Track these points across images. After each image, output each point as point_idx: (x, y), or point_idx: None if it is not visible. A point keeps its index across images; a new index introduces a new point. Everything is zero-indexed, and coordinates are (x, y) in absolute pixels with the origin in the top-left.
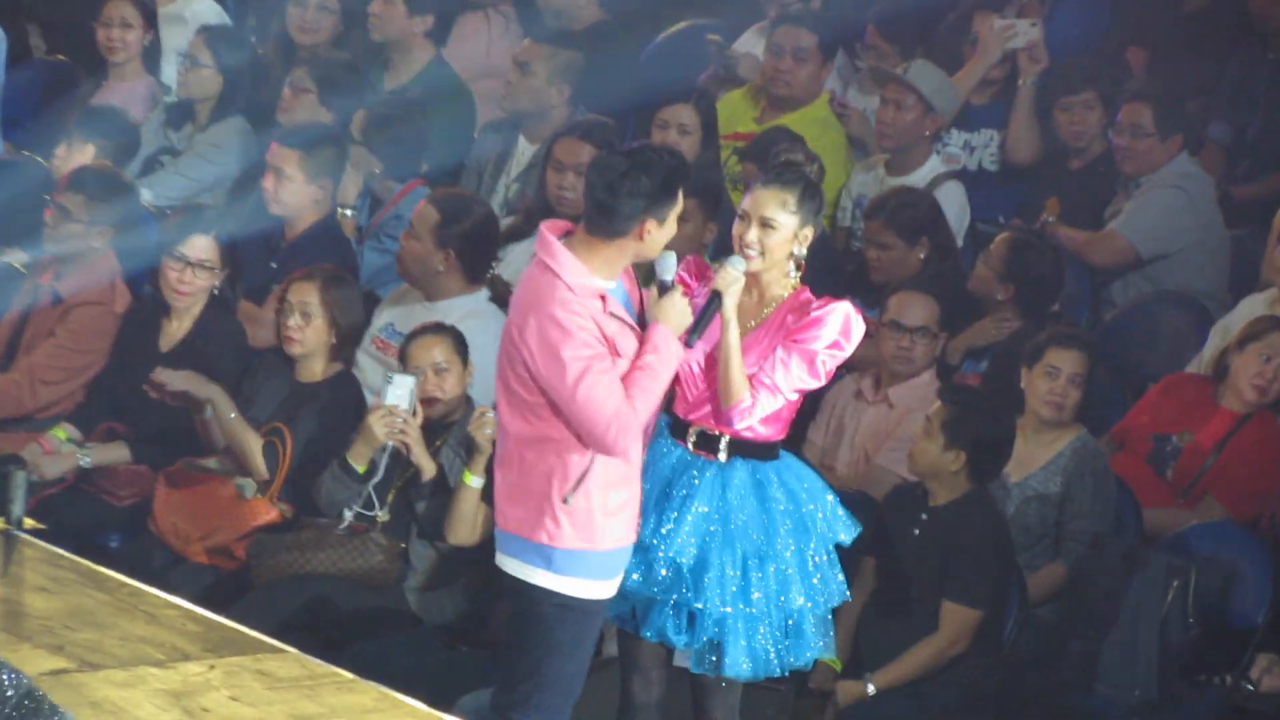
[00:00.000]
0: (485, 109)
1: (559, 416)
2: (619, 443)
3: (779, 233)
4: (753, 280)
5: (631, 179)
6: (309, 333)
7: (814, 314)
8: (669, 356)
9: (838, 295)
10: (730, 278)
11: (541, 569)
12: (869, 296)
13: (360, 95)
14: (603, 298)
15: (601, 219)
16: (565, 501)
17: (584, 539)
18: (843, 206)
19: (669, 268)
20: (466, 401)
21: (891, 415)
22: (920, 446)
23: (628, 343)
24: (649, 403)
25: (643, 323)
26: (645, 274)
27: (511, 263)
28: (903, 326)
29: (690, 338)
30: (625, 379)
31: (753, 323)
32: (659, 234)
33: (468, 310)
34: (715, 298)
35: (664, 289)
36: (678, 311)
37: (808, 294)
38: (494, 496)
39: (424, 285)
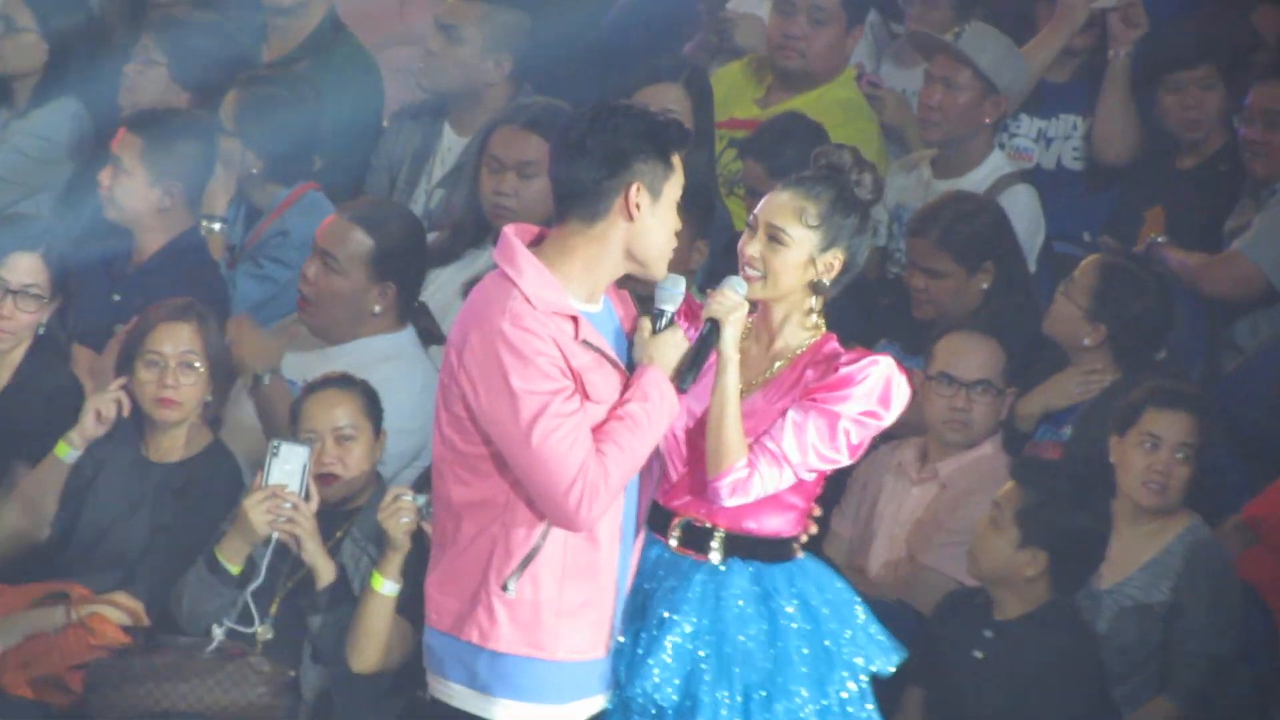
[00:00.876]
0: (398, 88)
1: (505, 474)
2: (582, 511)
3: (789, 251)
4: (760, 323)
5: (604, 124)
6: (190, 392)
7: (843, 370)
8: (661, 408)
9: (870, 341)
10: (729, 302)
11: (469, 687)
12: (911, 340)
13: (230, 69)
14: (574, 320)
15: (570, 191)
16: (505, 588)
17: (528, 642)
18: (875, 219)
19: (672, 296)
20: (377, 480)
21: (943, 499)
22: (985, 542)
23: (606, 383)
24: (627, 465)
25: (631, 366)
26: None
27: (436, 294)
28: (957, 380)
29: (684, 379)
30: (599, 429)
31: (759, 379)
32: (653, 215)
33: (385, 354)
34: (710, 328)
35: (661, 320)
36: (675, 352)
37: (834, 344)
38: (425, 587)
39: (337, 331)
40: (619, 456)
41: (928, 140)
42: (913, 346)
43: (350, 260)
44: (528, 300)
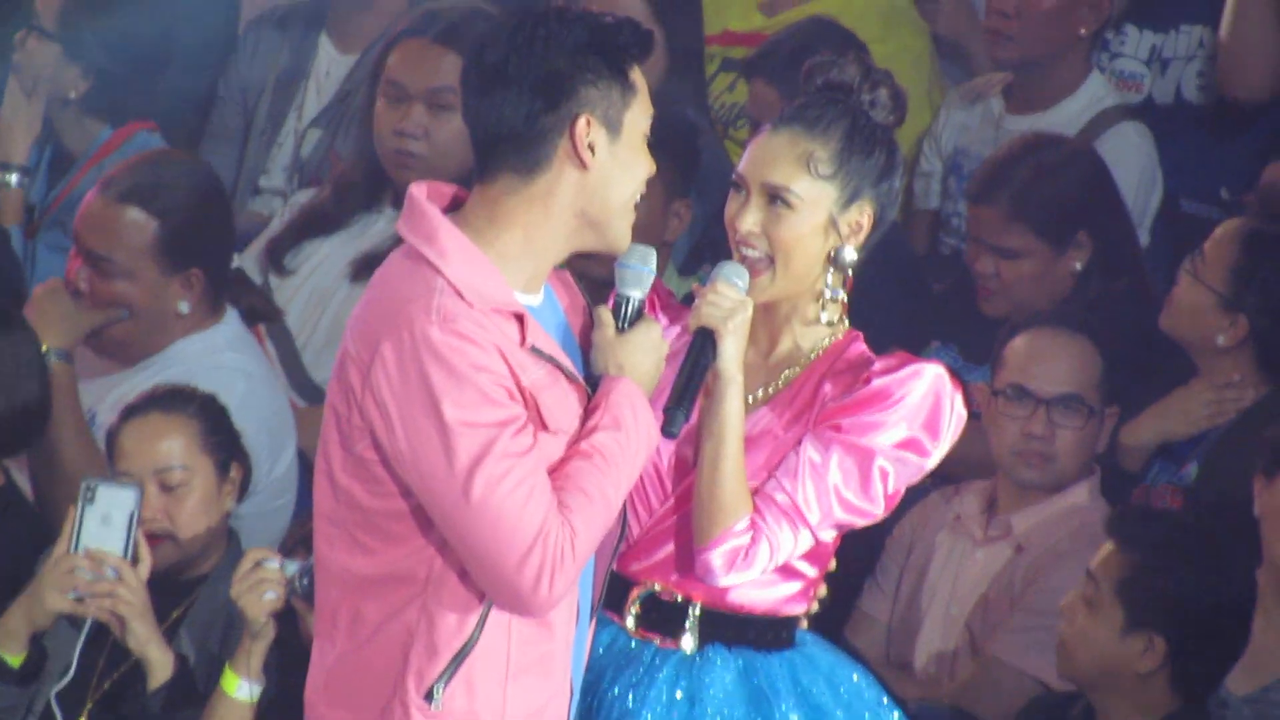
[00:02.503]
0: None
1: (430, 536)
2: (542, 587)
3: (798, 215)
4: (759, 316)
5: (531, 37)
6: None
7: (876, 383)
8: (637, 436)
9: (916, 344)
10: (726, 303)
11: None
12: (973, 343)
13: None
14: (519, 319)
15: (495, 135)
16: (429, 698)
17: None
18: (924, 172)
19: (639, 276)
20: (229, 539)
21: (1020, 566)
22: (1078, 628)
23: (563, 406)
24: (599, 519)
25: (589, 378)
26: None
27: (313, 273)
28: (1035, 396)
29: (674, 417)
30: (558, 472)
31: (759, 394)
32: (612, 157)
33: (202, 360)
34: (704, 342)
35: (626, 311)
36: (651, 356)
37: (862, 345)
38: (305, 691)
39: (134, 348)
40: (588, 509)
41: (999, 61)
42: (976, 351)
43: (132, 255)
44: (459, 294)
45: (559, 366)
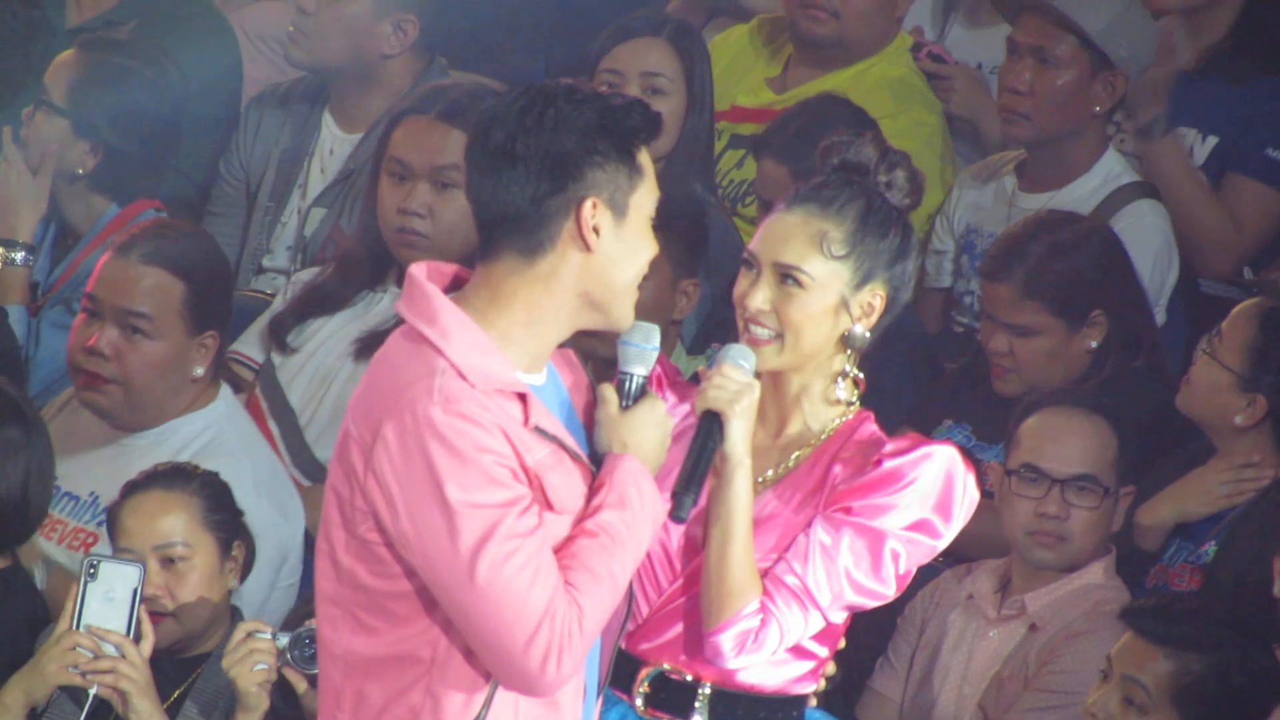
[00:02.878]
0: (257, 63)
1: (434, 616)
2: (550, 668)
3: (810, 296)
4: (768, 396)
5: (539, 116)
6: None
7: (887, 465)
8: (643, 515)
9: (928, 425)
10: (733, 385)
11: None
12: (987, 422)
13: (36, 38)
14: (522, 399)
15: (499, 216)
16: None
17: None
18: (936, 250)
19: (641, 354)
20: (232, 616)
21: (1035, 645)
22: (1098, 714)
23: (568, 486)
24: (606, 599)
25: (594, 456)
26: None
27: (316, 351)
28: (1048, 476)
29: (682, 501)
30: (564, 552)
31: (768, 475)
32: (617, 240)
33: (205, 434)
34: (711, 424)
35: (630, 388)
36: (655, 433)
37: (873, 426)
38: None
39: (150, 412)
40: (595, 588)
41: (1012, 138)
42: (989, 431)
43: (165, 314)
44: (461, 375)
45: (563, 446)
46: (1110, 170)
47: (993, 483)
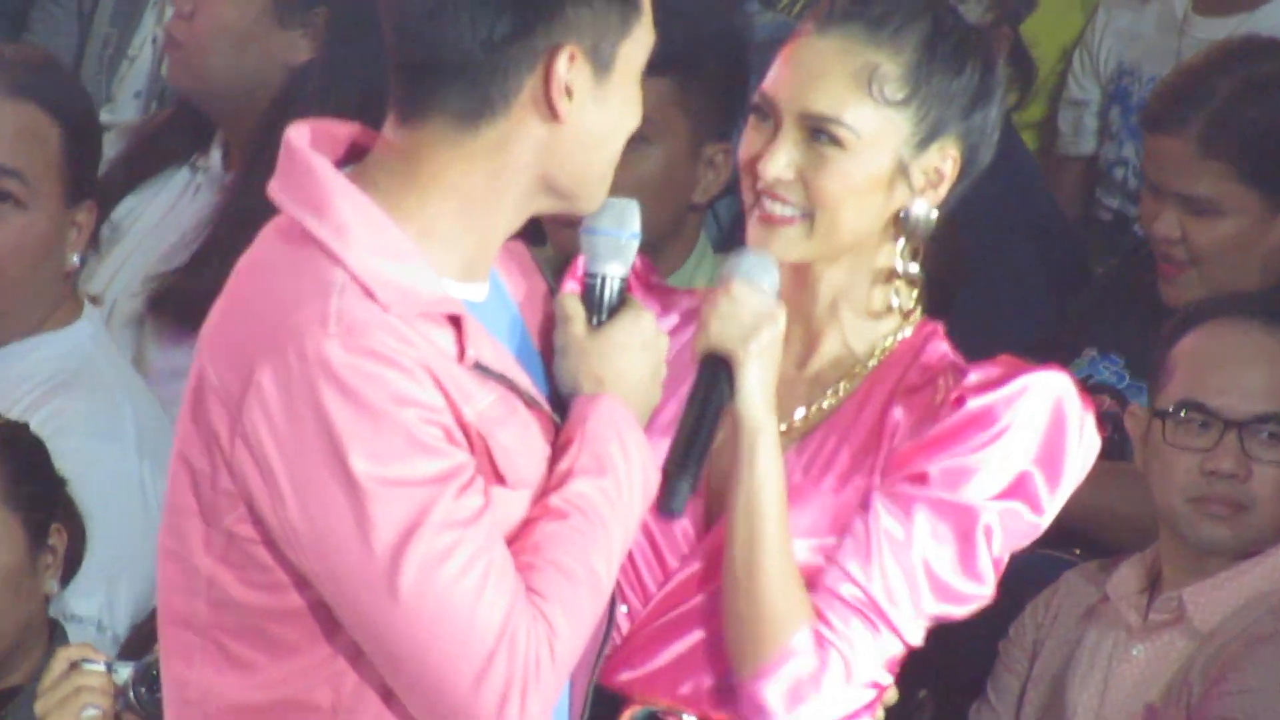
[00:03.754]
0: None
1: (335, 644)
2: (509, 714)
3: (853, 159)
4: (791, 301)
5: None
6: None
7: (971, 405)
8: (630, 480)
9: (1066, 354)
10: (747, 314)
11: None
12: (1148, 345)
13: None
14: (456, 323)
15: (436, 56)
16: None
17: None
18: (1074, 100)
19: (615, 244)
20: (49, 636)
21: (1198, 660)
22: None
23: (523, 445)
24: (586, 608)
25: (556, 398)
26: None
27: (143, 234)
28: (1222, 417)
29: (676, 489)
30: (524, 545)
31: (797, 420)
32: (596, 105)
33: (49, 366)
34: (715, 374)
35: (602, 297)
36: (642, 359)
37: (944, 345)
38: None
39: (14, 317)
40: (571, 594)
41: None
42: (1145, 361)
43: (39, 171)
44: (367, 292)
45: (515, 389)
46: None
47: (1134, 432)
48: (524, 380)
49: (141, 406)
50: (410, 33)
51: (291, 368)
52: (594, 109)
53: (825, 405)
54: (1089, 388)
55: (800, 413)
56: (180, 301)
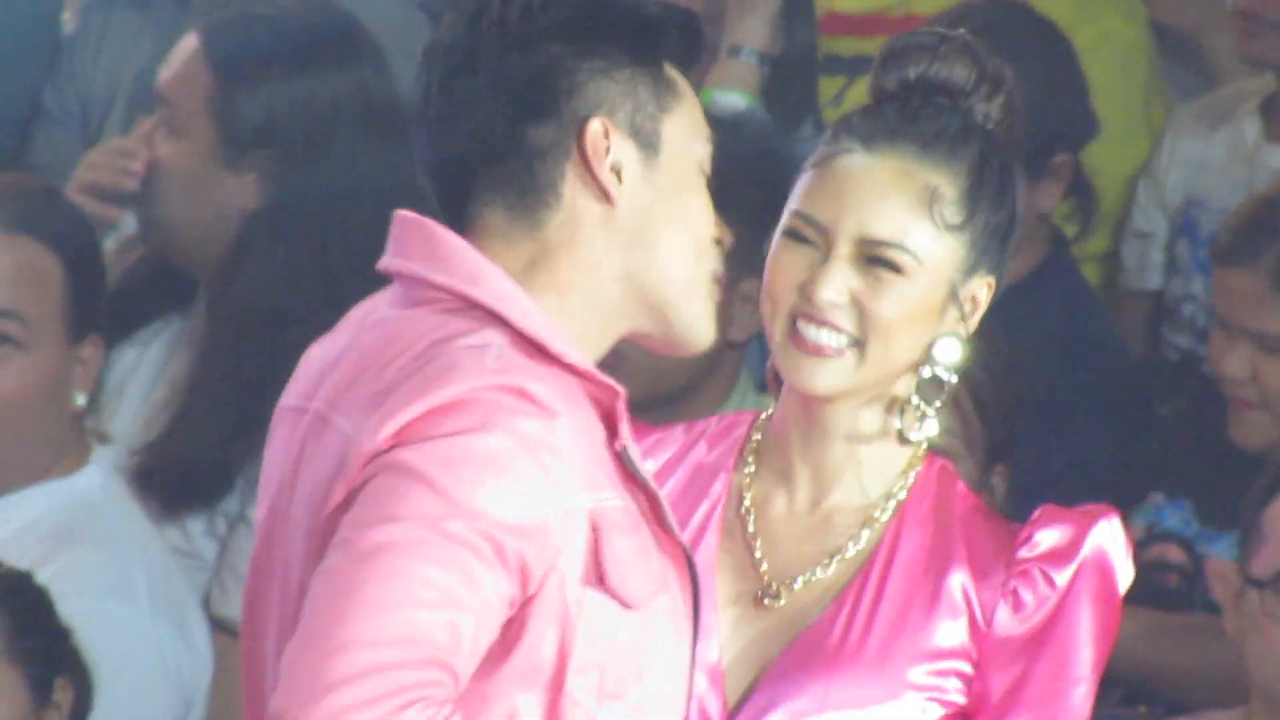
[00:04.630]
0: None
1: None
2: None
3: (913, 286)
4: (798, 431)
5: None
6: None
7: (1061, 581)
8: None
9: (1129, 500)
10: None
11: None
12: (1218, 493)
13: None
14: (611, 401)
15: (462, 150)
16: None
17: None
18: (1140, 232)
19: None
20: None
21: None
22: None
23: (641, 558)
24: None
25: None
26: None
27: (142, 392)
28: None
29: None
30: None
31: (825, 569)
32: (648, 186)
33: (55, 514)
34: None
35: None
36: None
37: (958, 481)
38: None
39: (15, 461)
40: None
41: (1256, 59)
42: (1219, 509)
43: (40, 311)
44: (536, 345)
45: (655, 499)
46: None
47: (1221, 593)
48: (662, 497)
49: (153, 561)
50: (433, 124)
51: (446, 408)
52: (650, 193)
53: (849, 556)
54: (1155, 535)
55: (822, 569)
56: (164, 477)
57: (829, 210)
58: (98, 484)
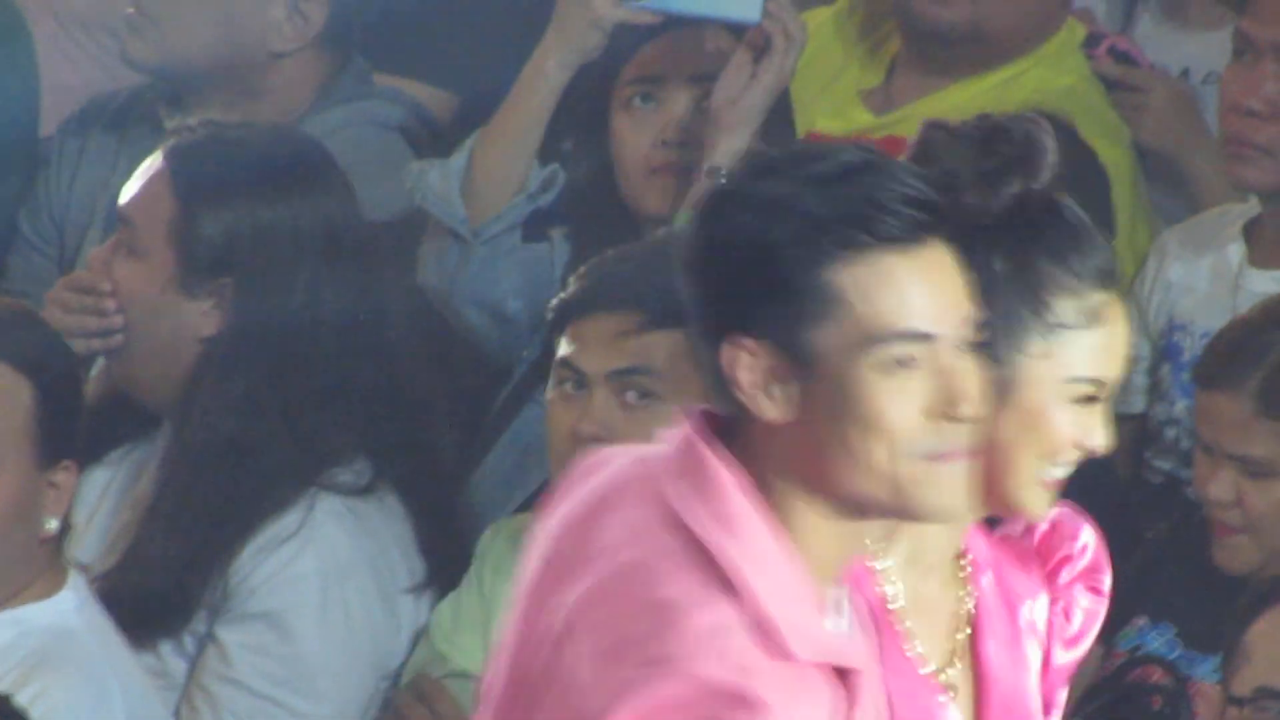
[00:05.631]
0: (77, 66)
1: None
2: None
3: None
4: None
5: (722, 211)
6: None
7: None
8: None
9: (1114, 622)
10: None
11: None
12: (1201, 617)
13: None
14: (845, 680)
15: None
16: None
17: None
18: (1133, 349)
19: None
20: None
21: None
22: None
23: None
24: None
25: None
26: None
27: (108, 515)
28: None
29: None
30: None
31: (964, 634)
32: (810, 405)
33: (27, 641)
34: None
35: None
36: None
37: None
38: None
39: None
40: None
41: (1242, 183)
42: (1204, 632)
43: (6, 435)
44: (772, 634)
45: None
46: None
47: (1207, 716)
48: None
49: (130, 684)
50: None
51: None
52: (808, 410)
53: (965, 614)
54: (1138, 659)
55: (962, 633)
56: (123, 605)
57: (1104, 367)
58: (73, 608)
